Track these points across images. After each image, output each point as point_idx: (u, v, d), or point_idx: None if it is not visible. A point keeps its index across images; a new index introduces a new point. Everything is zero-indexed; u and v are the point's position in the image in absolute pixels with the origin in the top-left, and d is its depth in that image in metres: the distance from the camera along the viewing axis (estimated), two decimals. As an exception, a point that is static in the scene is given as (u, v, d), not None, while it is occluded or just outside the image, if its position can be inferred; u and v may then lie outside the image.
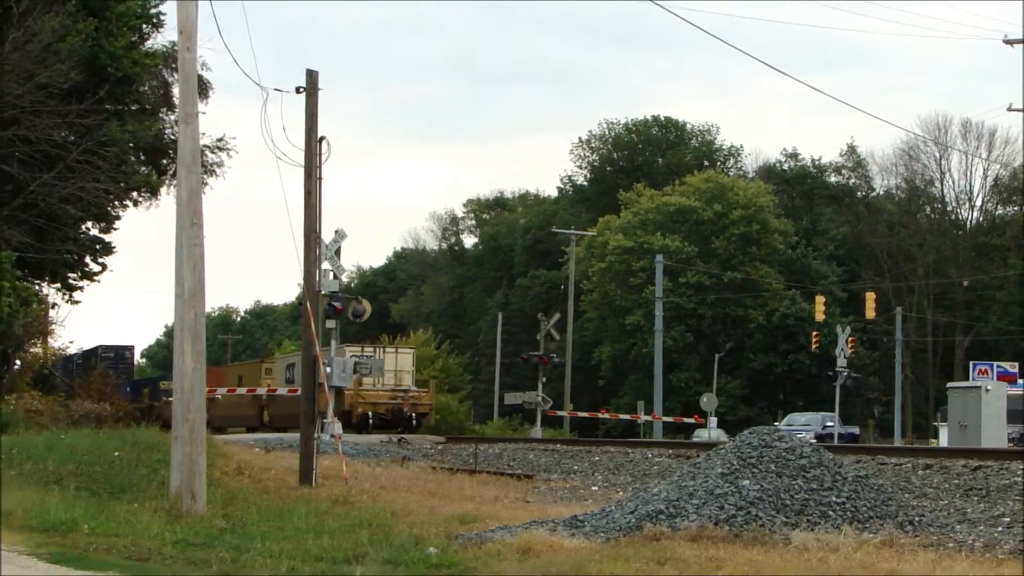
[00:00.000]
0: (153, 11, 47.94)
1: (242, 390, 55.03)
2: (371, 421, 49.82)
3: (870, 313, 78.55)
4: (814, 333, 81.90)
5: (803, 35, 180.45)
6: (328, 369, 30.19)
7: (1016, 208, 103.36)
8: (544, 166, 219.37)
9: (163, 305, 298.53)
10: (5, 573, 14.06)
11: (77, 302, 50.54)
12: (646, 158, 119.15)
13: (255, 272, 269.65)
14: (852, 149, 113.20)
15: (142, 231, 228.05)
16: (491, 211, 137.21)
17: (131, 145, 46.73)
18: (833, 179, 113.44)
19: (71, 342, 66.80)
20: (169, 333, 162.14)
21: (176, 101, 42.47)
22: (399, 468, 34.18)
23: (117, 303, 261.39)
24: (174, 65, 45.47)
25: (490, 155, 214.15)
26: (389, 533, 17.99)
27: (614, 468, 36.40)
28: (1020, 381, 67.20)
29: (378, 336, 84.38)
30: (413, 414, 50.57)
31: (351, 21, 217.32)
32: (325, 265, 30.28)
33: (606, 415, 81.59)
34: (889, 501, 18.16)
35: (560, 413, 73.15)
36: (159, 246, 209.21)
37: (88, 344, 73.14)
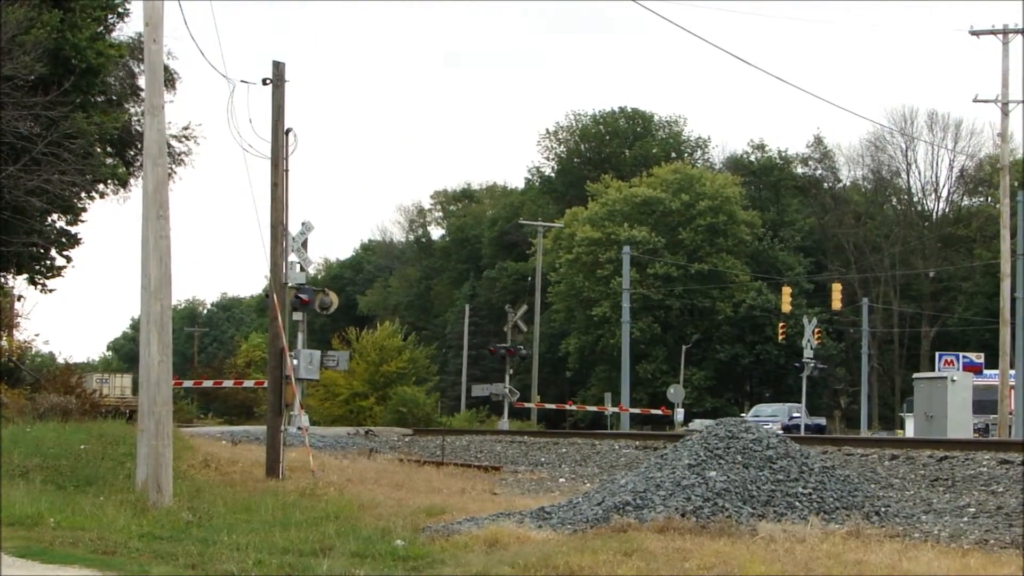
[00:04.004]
0: (118, 1, 47.63)
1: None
2: None
3: (836, 304, 78.96)
4: (781, 324, 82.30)
5: (771, 26, 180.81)
6: (295, 362, 30.16)
7: (982, 199, 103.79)
8: (511, 158, 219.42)
9: (130, 297, 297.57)
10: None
11: (51, 290, 50.19)
12: (613, 149, 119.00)
13: (222, 264, 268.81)
14: (819, 140, 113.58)
15: (110, 223, 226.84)
16: (458, 203, 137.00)
17: (97, 137, 46.46)
18: (800, 170, 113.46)
19: (36, 335, 66.70)
20: (135, 326, 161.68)
21: (143, 92, 42.26)
22: (366, 460, 34.15)
23: (83, 295, 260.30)
24: (140, 56, 45.27)
25: (457, 147, 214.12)
26: (356, 526, 17.98)
27: (581, 460, 36.46)
28: (986, 372, 67.63)
29: (345, 329, 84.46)
30: (128, 411, 60.95)
31: (320, 12, 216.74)
32: (292, 257, 30.25)
33: (573, 407, 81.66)
34: (855, 492, 18.22)
35: (527, 405, 73.29)
36: (126, 238, 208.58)
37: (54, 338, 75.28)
